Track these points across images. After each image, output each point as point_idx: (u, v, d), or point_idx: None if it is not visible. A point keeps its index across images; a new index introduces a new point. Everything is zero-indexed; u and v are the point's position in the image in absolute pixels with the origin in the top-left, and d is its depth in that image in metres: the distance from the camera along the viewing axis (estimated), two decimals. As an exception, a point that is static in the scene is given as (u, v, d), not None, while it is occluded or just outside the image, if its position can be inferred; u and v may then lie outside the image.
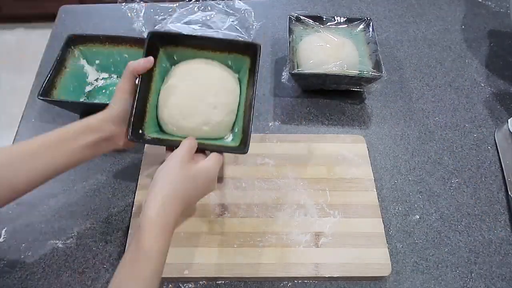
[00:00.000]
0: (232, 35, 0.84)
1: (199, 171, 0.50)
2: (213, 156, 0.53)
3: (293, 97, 0.77)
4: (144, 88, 0.55)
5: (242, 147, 0.54)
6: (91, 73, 0.76)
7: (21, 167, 0.48)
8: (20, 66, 1.99)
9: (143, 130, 0.55)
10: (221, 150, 0.55)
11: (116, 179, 0.66)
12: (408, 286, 0.56)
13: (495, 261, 0.58)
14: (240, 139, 0.56)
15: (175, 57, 0.60)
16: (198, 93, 0.57)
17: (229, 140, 0.59)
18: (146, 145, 0.68)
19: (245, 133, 0.55)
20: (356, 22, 0.81)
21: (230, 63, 0.61)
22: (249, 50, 0.58)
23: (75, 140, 0.50)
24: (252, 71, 0.58)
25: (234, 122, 0.59)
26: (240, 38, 0.59)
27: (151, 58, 0.55)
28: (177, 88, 0.57)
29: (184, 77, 0.58)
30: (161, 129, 0.58)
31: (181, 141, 0.53)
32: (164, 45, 0.59)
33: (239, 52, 0.59)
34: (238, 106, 0.59)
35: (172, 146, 0.53)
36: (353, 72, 0.72)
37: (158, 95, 0.58)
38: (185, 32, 0.57)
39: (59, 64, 0.70)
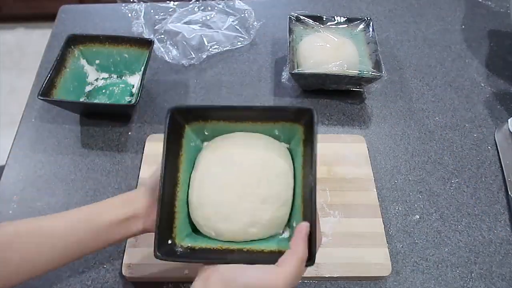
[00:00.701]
0: (232, 35, 0.84)
1: None
2: (290, 261, 0.39)
3: (293, 97, 0.77)
4: (170, 184, 0.44)
5: (310, 259, 0.40)
6: (91, 73, 0.76)
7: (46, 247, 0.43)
8: (20, 66, 1.99)
9: (173, 238, 0.43)
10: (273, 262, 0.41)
11: (116, 179, 0.66)
12: (408, 286, 0.56)
13: (495, 261, 0.58)
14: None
15: (205, 132, 0.49)
16: (238, 184, 0.44)
17: (286, 236, 0.46)
18: (146, 146, 0.68)
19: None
20: (356, 22, 0.81)
21: (277, 133, 0.49)
22: (301, 117, 0.46)
23: (102, 215, 0.45)
24: (308, 142, 0.45)
25: (291, 213, 0.46)
26: (289, 105, 0.46)
27: None
28: (211, 178, 0.45)
29: (218, 162, 0.46)
30: (194, 228, 0.47)
31: (224, 251, 0.42)
32: (191, 121, 0.47)
33: (288, 121, 0.47)
34: (294, 190, 0.46)
35: (211, 263, 0.41)
36: (353, 72, 0.72)
37: (188, 186, 0.47)
38: (216, 104, 0.46)
39: (59, 64, 0.70)
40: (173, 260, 0.42)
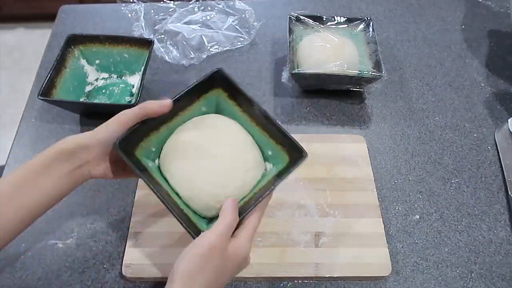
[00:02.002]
0: (232, 35, 0.84)
1: (231, 256, 0.42)
2: (246, 232, 0.44)
3: (293, 97, 0.77)
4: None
5: (300, 153, 0.45)
6: (91, 73, 0.76)
7: None
8: (20, 66, 1.99)
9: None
10: (278, 179, 0.45)
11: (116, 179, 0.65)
12: (408, 286, 0.56)
13: (495, 261, 0.58)
14: (286, 152, 0.48)
15: (152, 148, 0.50)
16: (226, 157, 0.48)
17: (271, 168, 0.51)
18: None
19: (286, 142, 0.47)
20: (356, 22, 0.81)
21: (204, 109, 0.52)
22: (216, 80, 0.49)
23: (46, 173, 0.43)
24: (234, 92, 0.49)
25: (262, 151, 0.51)
26: (198, 80, 0.48)
27: (169, 102, 0.45)
28: (189, 150, 0.48)
29: (196, 132, 0.49)
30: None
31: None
32: (137, 145, 0.48)
33: (207, 91, 0.50)
34: (253, 135, 0.51)
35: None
36: (353, 72, 0.72)
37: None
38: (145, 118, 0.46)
39: (59, 64, 0.70)
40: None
